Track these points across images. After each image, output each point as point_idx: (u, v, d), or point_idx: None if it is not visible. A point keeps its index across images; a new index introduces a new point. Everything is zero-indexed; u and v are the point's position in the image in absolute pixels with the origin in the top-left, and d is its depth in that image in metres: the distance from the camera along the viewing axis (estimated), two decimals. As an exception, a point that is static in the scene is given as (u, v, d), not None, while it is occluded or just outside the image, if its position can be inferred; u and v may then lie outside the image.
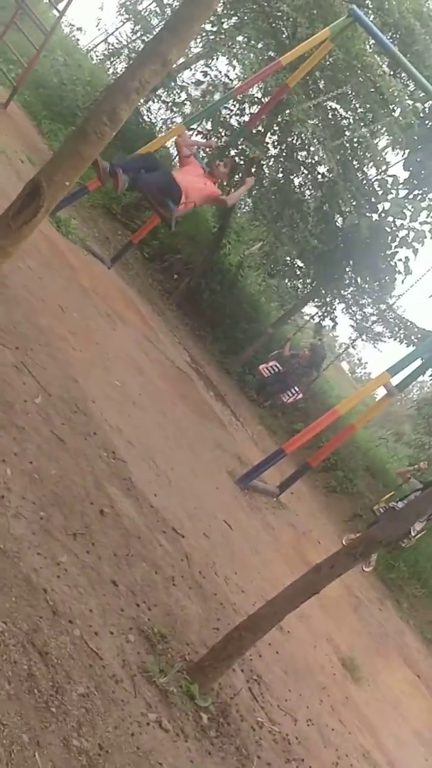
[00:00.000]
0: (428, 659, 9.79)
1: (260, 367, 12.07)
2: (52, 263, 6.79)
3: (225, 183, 9.46)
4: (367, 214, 12.48)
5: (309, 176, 13.66)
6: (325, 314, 15.37)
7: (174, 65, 10.25)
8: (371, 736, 5.32)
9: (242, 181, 9.61)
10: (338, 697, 5.25)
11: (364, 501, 13.27)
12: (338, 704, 5.14)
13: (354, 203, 12.45)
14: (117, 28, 20.23)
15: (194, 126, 11.90)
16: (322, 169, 13.41)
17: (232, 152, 12.58)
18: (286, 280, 16.23)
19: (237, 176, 10.23)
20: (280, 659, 4.70)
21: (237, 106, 12.68)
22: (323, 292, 14.61)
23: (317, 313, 15.82)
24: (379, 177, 13.35)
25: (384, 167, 13.66)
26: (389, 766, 5.20)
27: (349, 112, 12.72)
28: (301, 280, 15.86)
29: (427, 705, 8.07)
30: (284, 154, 12.89)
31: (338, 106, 12.64)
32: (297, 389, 11.74)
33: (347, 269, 13.51)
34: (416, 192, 13.53)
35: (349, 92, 12.28)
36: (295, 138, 12.60)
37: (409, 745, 6.27)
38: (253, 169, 10.14)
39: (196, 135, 12.29)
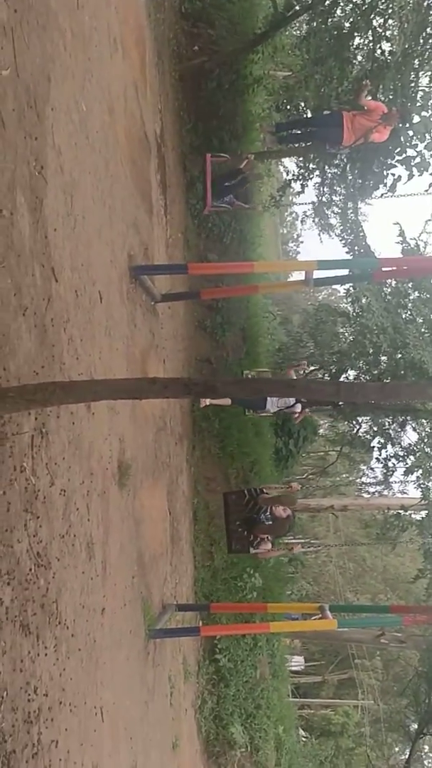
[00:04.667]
0: (182, 501, 10.48)
1: (208, 156, 11.26)
2: None
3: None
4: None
5: (370, 44, 12.97)
6: (300, 177, 15.08)
7: None
8: (103, 533, 5.68)
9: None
10: (98, 488, 5.54)
11: (222, 353, 13.62)
12: (94, 493, 5.44)
13: (391, 96, 12.00)
14: None
15: None
16: (385, 46, 12.75)
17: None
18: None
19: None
20: (72, 430, 4.88)
21: None
22: (312, 156, 14.24)
23: (294, 171, 15.50)
24: (427, 89, 12.89)
25: (436, 86, 13.18)
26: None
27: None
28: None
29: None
30: (364, 7, 12.09)
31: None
32: (229, 200, 11.47)
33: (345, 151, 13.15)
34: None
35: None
36: (384, 1, 11.88)
37: (128, 556, 6.75)
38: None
39: None
